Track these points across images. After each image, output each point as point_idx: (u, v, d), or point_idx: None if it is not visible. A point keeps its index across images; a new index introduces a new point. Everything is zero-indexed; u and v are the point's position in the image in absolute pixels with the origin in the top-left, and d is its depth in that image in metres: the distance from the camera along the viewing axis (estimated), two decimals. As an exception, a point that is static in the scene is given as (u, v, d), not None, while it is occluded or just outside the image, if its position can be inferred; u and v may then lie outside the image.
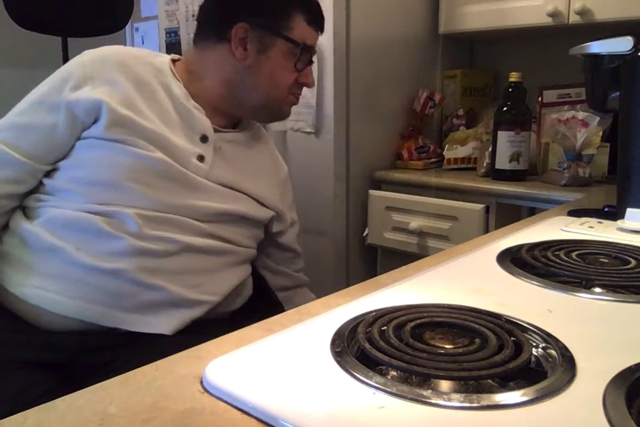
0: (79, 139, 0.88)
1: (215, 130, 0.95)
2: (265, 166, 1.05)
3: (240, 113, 1.00)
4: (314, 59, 1.01)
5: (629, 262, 0.69)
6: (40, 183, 0.90)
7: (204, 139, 0.93)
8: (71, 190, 0.87)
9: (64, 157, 0.89)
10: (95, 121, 0.87)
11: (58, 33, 1.74)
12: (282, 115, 1.01)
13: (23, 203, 0.91)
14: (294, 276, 1.16)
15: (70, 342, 0.83)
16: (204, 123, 0.94)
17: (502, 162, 1.52)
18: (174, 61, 0.98)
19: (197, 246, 0.89)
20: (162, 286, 0.85)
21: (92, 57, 0.90)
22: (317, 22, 0.98)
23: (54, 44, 1.78)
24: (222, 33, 0.93)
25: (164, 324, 0.85)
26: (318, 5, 0.99)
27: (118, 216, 0.85)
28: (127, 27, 3.06)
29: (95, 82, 0.87)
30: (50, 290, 0.83)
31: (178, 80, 0.94)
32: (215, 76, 0.95)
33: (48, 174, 0.90)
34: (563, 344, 0.46)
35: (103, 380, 0.44)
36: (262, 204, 1.00)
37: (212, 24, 0.96)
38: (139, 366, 0.46)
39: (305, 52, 0.96)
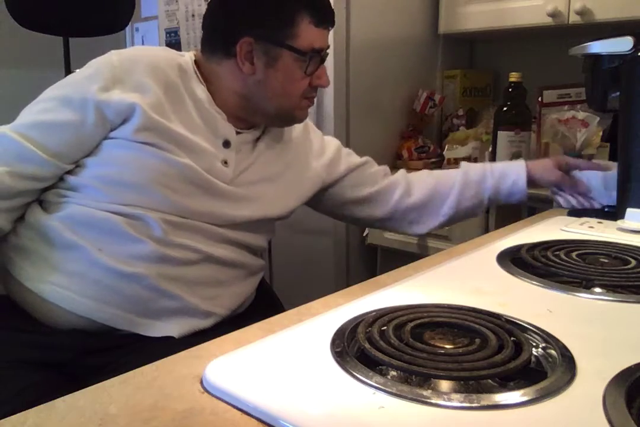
0: (105, 138, 0.87)
1: (237, 133, 0.95)
2: (296, 158, 1.03)
3: (256, 121, 0.99)
4: (328, 53, 0.97)
5: (629, 262, 0.69)
6: (62, 179, 0.89)
7: (226, 144, 0.93)
8: (95, 188, 0.86)
9: (89, 155, 0.88)
10: (124, 122, 0.86)
11: (59, 33, 1.74)
12: (297, 120, 1.00)
13: (41, 197, 0.90)
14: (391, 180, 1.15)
15: (72, 342, 0.83)
16: (227, 128, 0.93)
17: (502, 162, 1.51)
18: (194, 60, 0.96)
19: (216, 257, 0.89)
20: (179, 295, 0.85)
21: (121, 57, 0.88)
22: (325, 21, 0.94)
23: (55, 44, 1.78)
24: (228, 49, 0.91)
25: (174, 329, 0.85)
26: (323, 1, 0.94)
27: (143, 219, 0.84)
28: (127, 27, 3.06)
29: (125, 86, 0.86)
30: (67, 288, 0.83)
31: (201, 82, 0.93)
32: (228, 89, 0.94)
33: (71, 170, 0.89)
34: (563, 344, 0.46)
35: (104, 380, 0.44)
36: (285, 204, 1.00)
37: (217, 39, 0.94)
38: (140, 367, 0.46)
39: (315, 57, 0.93)
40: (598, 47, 0.97)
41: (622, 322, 0.53)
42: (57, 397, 0.42)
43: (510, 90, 1.52)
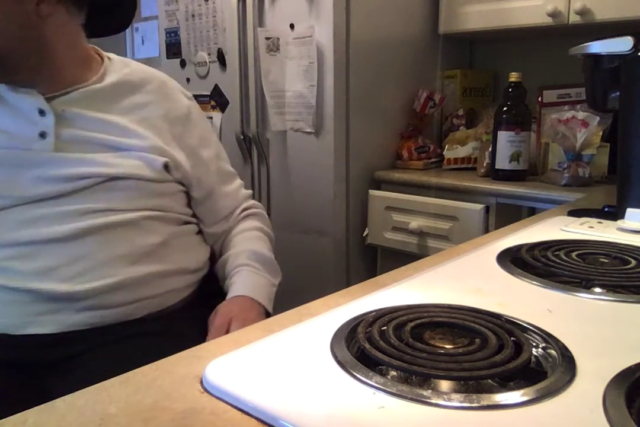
0: None
1: (55, 97, 0.88)
2: (145, 109, 0.94)
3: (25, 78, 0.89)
4: None
5: (629, 262, 0.68)
6: None
7: (42, 112, 0.86)
8: None
9: None
10: None
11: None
12: None
13: None
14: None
15: (21, 340, 0.81)
16: (33, 97, 0.86)
17: (502, 162, 1.52)
18: None
19: (61, 236, 0.84)
20: (38, 289, 0.81)
21: None
22: None
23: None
24: None
25: (64, 321, 0.82)
26: None
27: None
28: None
29: None
30: None
31: None
32: None
33: None
34: (563, 344, 0.46)
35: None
36: (125, 149, 0.89)
37: None
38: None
39: None
40: (598, 47, 0.97)
41: (622, 322, 0.53)
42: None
43: (510, 90, 1.52)
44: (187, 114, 1.00)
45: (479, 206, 1.47)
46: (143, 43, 2.54)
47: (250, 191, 1.15)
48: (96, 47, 0.98)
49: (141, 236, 0.89)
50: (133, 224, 0.89)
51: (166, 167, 0.92)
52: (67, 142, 0.87)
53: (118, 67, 0.97)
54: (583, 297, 0.58)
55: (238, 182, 1.12)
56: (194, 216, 1.02)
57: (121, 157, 0.88)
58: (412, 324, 0.48)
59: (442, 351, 0.44)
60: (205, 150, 1.03)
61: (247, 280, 0.98)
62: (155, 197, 0.92)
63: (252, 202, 1.13)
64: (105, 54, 0.99)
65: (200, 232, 1.03)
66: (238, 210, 1.09)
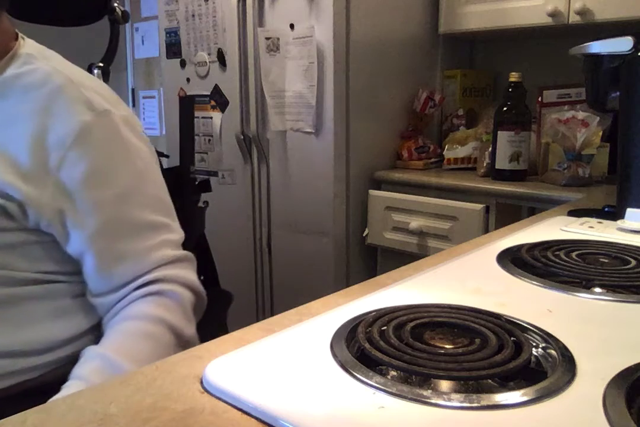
0: None
1: None
2: (14, 126, 0.73)
3: None
4: None
5: (629, 262, 0.68)
6: None
7: None
8: None
9: None
10: None
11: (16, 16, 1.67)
12: None
13: None
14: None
15: None
16: None
17: (502, 162, 1.52)
18: None
19: None
20: None
21: None
22: None
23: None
24: None
25: None
26: None
27: None
28: (127, 27, 3.05)
29: None
30: None
31: None
32: None
33: None
34: (563, 344, 0.46)
35: None
36: None
37: None
38: None
39: None
40: (598, 47, 0.97)
41: (622, 322, 0.53)
42: None
43: (510, 90, 1.52)
44: (78, 136, 0.73)
45: (479, 206, 1.47)
46: (143, 43, 2.54)
47: (179, 253, 0.80)
48: (28, 40, 0.81)
49: None
50: None
51: (4, 211, 0.70)
52: None
53: (18, 64, 0.76)
54: (583, 297, 0.58)
55: (160, 238, 0.79)
56: (64, 273, 0.77)
57: None
58: (412, 324, 0.48)
59: (442, 351, 0.44)
60: (97, 189, 0.75)
61: None
62: None
63: (169, 272, 0.78)
64: (24, 48, 0.78)
65: (75, 295, 0.78)
66: (139, 281, 0.76)
